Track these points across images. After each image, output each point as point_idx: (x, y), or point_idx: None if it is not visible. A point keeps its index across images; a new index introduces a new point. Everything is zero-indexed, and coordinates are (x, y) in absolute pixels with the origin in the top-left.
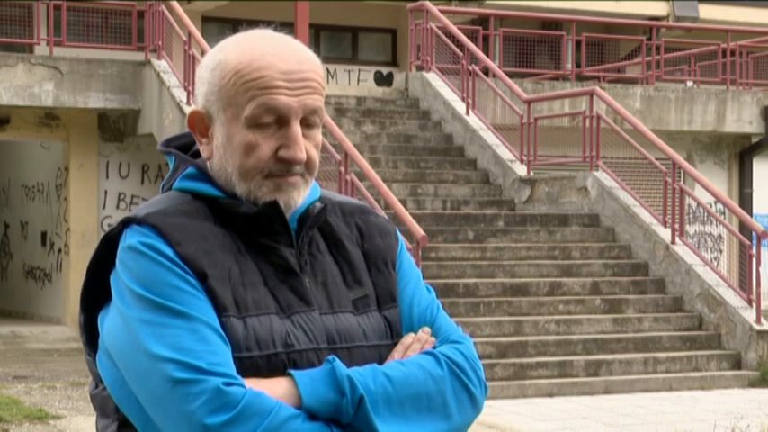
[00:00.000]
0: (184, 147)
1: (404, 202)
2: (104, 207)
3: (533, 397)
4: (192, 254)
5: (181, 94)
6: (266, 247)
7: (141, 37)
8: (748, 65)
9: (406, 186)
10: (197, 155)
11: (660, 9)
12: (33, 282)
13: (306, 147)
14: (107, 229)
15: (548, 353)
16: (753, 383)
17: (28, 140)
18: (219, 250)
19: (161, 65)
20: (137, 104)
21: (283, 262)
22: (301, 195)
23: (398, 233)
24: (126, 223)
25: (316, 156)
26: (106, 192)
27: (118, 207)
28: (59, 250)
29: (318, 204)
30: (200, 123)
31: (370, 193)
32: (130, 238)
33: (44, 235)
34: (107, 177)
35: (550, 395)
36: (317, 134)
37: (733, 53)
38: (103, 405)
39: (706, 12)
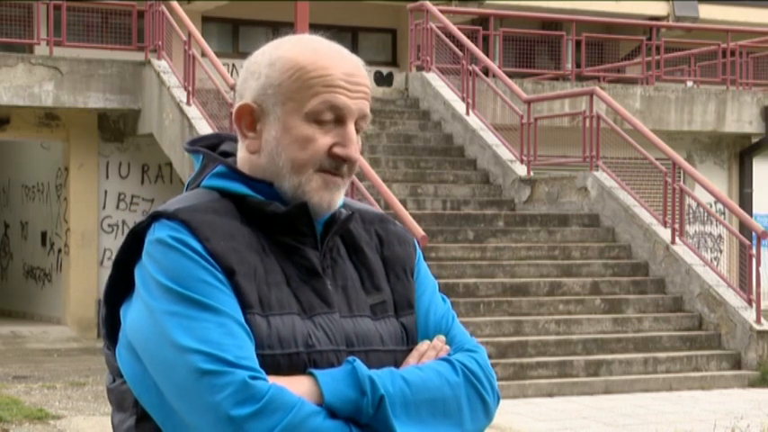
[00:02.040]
0: (210, 148)
1: (404, 202)
2: (104, 207)
3: (533, 397)
4: (220, 250)
5: (181, 94)
6: (291, 248)
7: (141, 37)
8: (748, 65)
9: (406, 186)
10: (224, 155)
11: (660, 9)
12: (33, 282)
13: None
14: (107, 229)
15: (548, 353)
16: (753, 383)
17: (28, 140)
18: (246, 248)
19: (161, 65)
20: (137, 104)
21: (307, 263)
22: (340, 198)
23: (416, 242)
24: (155, 217)
25: (359, 160)
26: (106, 192)
27: (118, 207)
28: (59, 250)
29: (344, 211)
30: (248, 117)
31: (370, 193)
32: (159, 232)
33: (44, 235)
34: (107, 177)
35: (550, 395)
36: (359, 140)
37: (733, 53)
38: (121, 399)
39: (706, 12)
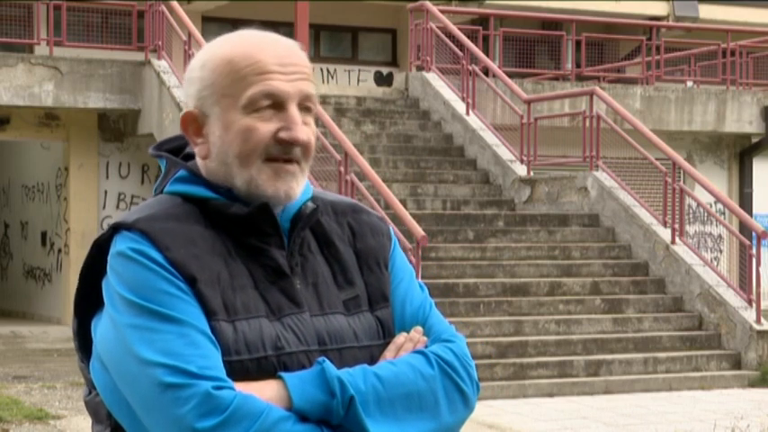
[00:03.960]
0: (176, 150)
1: (404, 202)
2: (104, 207)
3: (533, 397)
4: (181, 258)
5: (181, 94)
6: (256, 249)
7: (141, 37)
8: (748, 65)
9: (406, 186)
10: (188, 158)
11: (660, 9)
12: (33, 282)
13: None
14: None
15: (548, 353)
16: (753, 383)
17: (28, 140)
18: (208, 254)
19: (161, 65)
20: (137, 104)
21: (273, 263)
22: (299, 186)
23: (392, 231)
24: (116, 229)
25: (313, 142)
26: (106, 192)
27: (118, 207)
28: (59, 250)
29: (310, 204)
30: (194, 124)
31: (370, 193)
32: (120, 244)
33: (44, 235)
34: (107, 177)
35: (550, 395)
36: (312, 121)
37: (733, 53)
38: (97, 411)
39: (706, 12)
